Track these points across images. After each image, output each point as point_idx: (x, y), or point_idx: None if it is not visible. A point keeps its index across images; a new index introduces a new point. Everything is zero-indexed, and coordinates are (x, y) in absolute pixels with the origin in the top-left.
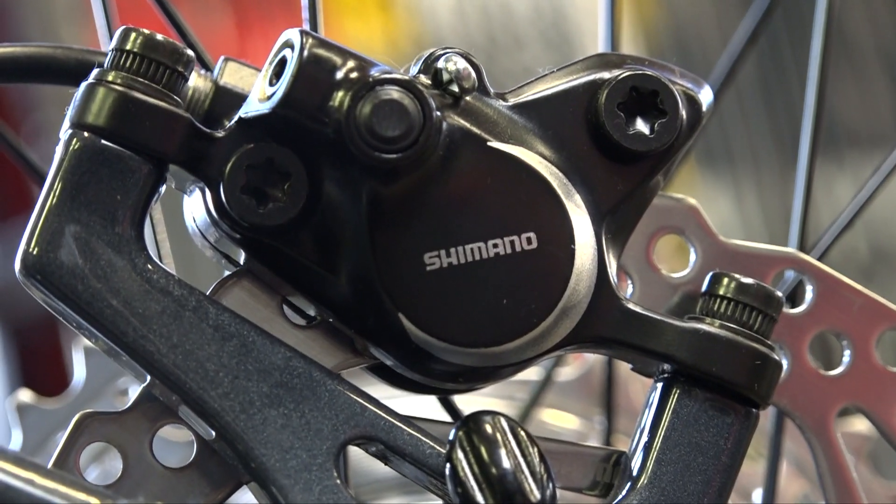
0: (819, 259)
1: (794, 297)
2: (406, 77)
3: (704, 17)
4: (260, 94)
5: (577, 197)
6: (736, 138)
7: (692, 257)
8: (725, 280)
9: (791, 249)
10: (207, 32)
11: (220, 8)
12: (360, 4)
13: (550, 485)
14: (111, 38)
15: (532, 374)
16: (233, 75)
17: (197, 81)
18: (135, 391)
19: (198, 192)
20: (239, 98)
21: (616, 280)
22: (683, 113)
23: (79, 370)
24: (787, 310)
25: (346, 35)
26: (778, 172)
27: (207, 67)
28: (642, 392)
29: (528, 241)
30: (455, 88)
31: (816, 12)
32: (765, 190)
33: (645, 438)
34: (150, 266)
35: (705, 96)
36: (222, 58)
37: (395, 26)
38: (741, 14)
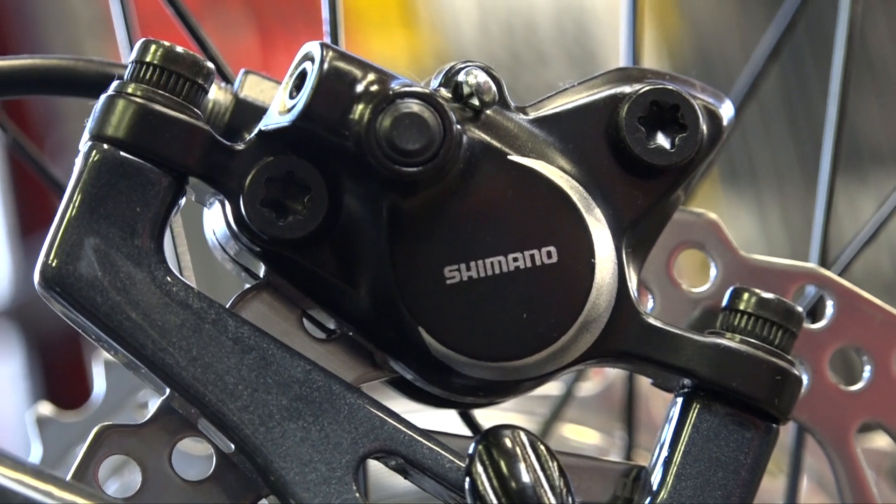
0: (841, 274)
1: (815, 313)
2: (426, 90)
3: (727, 32)
4: (280, 106)
5: (598, 211)
6: (759, 154)
7: (713, 272)
8: (746, 295)
9: (812, 265)
10: (230, 47)
11: (243, 23)
12: (384, 20)
13: (570, 499)
14: (132, 50)
15: (553, 388)
16: (253, 88)
17: (217, 94)
18: (154, 404)
19: (217, 205)
20: (259, 111)
21: (636, 294)
22: (704, 127)
23: (98, 383)
24: (807, 325)
25: (370, 51)
26: (801, 188)
27: (228, 80)
28: (663, 407)
29: (549, 255)
30: (475, 102)
31: (838, 27)
32: (788, 206)
33: (665, 453)
34: (169, 279)
35: (726, 111)
36: (242, 71)
37: (418, 42)
38: (764, 28)
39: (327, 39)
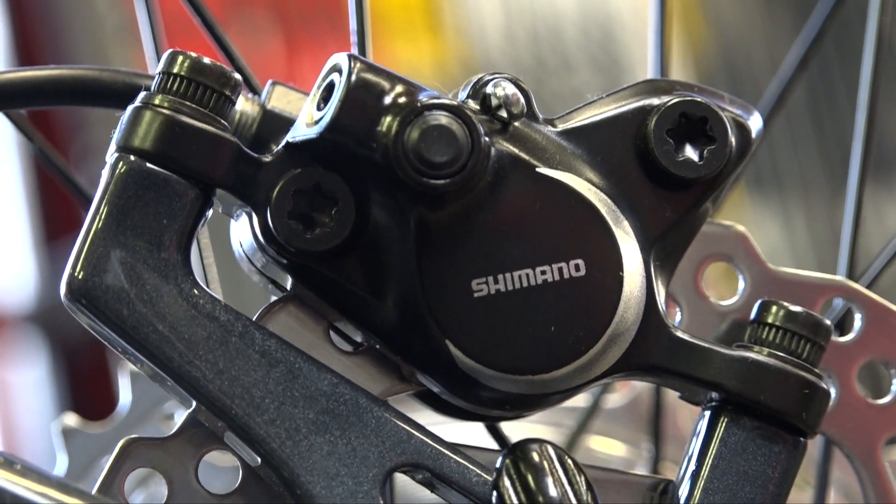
0: (868, 287)
1: (843, 326)
2: (454, 102)
3: (753, 39)
4: (307, 118)
5: (626, 224)
6: (785, 163)
7: (741, 285)
8: (774, 308)
9: (840, 277)
10: (256, 54)
11: (270, 30)
12: (410, 27)
13: None
14: (159, 61)
15: (580, 400)
16: (280, 99)
17: (244, 105)
18: (180, 416)
19: (244, 217)
20: (286, 122)
21: (664, 307)
22: (733, 140)
23: (124, 395)
24: (835, 338)
25: (396, 58)
26: (827, 197)
27: (255, 91)
28: (690, 419)
29: (577, 268)
30: (503, 114)
31: (867, 35)
32: (814, 215)
33: (692, 467)
34: (196, 291)
35: (755, 123)
36: (270, 82)
37: (444, 49)
38: (790, 34)
39: (354, 50)
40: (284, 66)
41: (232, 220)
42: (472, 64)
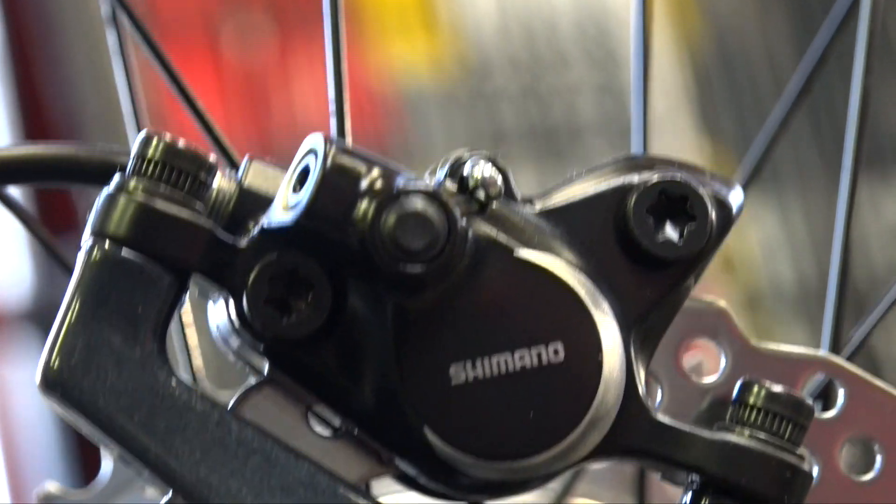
0: (849, 358)
1: (827, 398)
2: (430, 188)
3: (749, 33)
4: (283, 202)
5: (605, 305)
6: (782, 157)
7: (722, 362)
8: (755, 388)
9: (822, 353)
10: (251, 53)
11: (264, 27)
12: (404, 25)
13: None
14: (137, 126)
15: None
16: (257, 177)
17: (221, 183)
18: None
19: (221, 300)
20: (263, 200)
21: (645, 389)
22: (713, 217)
23: (106, 462)
24: (817, 415)
25: (391, 56)
26: (824, 191)
27: (234, 163)
28: None
29: (555, 352)
30: (481, 195)
31: (859, 27)
32: (811, 209)
33: None
34: (172, 382)
35: (735, 198)
36: (247, 157)
37: (439, 46)
38: (786, 26)
39: (331, 93)
40: (279, 65)
41: (210, 303)
42: (467, 61)
